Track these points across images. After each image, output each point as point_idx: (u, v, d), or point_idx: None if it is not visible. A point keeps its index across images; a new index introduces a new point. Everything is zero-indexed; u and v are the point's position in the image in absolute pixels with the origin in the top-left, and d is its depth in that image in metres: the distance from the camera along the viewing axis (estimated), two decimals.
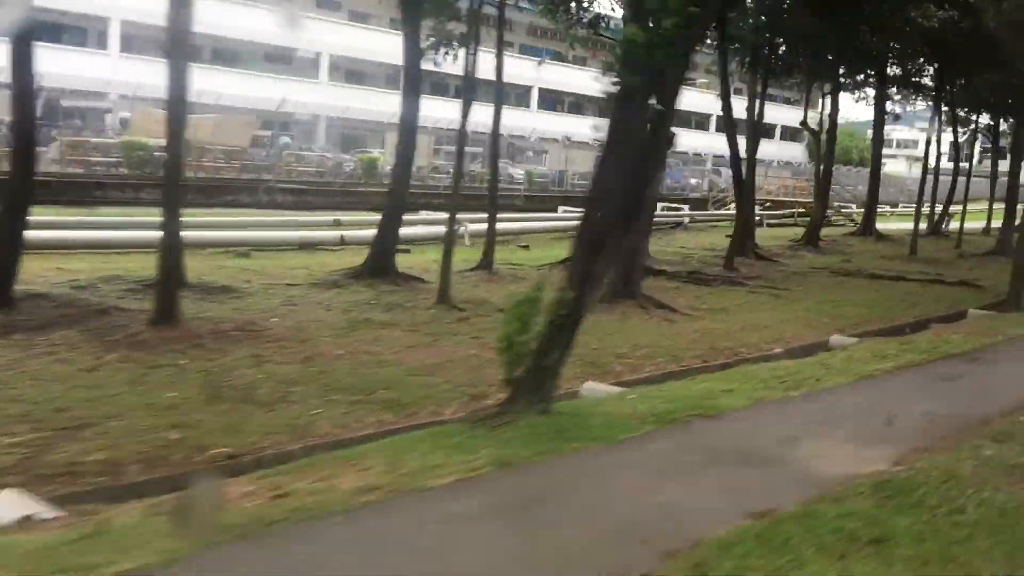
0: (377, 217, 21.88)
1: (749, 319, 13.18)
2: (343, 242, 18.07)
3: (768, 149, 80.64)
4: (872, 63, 28.03)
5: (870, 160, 33.87)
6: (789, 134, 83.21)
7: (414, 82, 13.60)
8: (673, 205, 32.59)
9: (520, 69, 56.96)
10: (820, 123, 30.09)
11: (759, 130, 25.90)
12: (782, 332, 12.40)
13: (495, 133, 16.30)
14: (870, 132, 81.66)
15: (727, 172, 57.42)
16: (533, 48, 59.39)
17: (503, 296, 13.42)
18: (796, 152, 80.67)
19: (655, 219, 32.05)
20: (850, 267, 22.65)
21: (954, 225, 41.60)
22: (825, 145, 28.24)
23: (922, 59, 30.95)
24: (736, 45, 24.23)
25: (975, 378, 7.58)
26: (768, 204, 40.93)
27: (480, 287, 14.48)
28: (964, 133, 43.42)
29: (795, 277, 19.59)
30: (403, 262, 17.28)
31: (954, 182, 35.36)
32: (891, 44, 25.83)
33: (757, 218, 37.30)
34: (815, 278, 19.72)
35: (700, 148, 69.12)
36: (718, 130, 77.30)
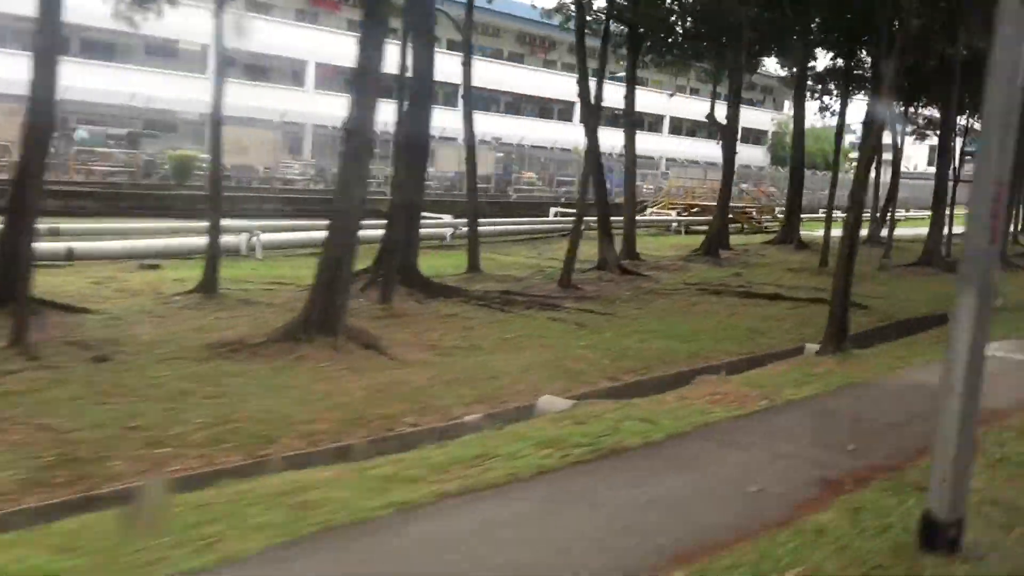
0: (157, 224, 18.59)
1: (492, 362, 9.67)
2: (71, 257, 14.52)
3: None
4: (778, 43, 24.76)
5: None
6: (753, 137, 80.00)
7: (48, 42, 10.07)
8: (569, 211, 28.98)
9: (448, 66, 53.74)
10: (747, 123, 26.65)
11: (635, 123, 22.48)
12: (516, 384, 8.90)
13: (216, 106, 12.85)
14: (850, 138, 78.30)
15: (673, 174, 53.87)
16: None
17: (167, 335, 9.95)
18: (757, 155, 77.42)
19: (548, 226, 28.74)
20: (735, 282, 19.21)
21: (901, 231, 38.38)
22: (726, 144, 24.78)
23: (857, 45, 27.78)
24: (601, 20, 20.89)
25: (543, 526, 4.08)
26: (696, 209, 37.53)
27: (162, 320, 10.93)
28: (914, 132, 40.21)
29: (647, 296, 16.11)
30: (136, 281, 13.86)
31: (893, 185, 31.91)
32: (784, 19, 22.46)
33: (675, 224, 34.18)
34: (673, 297, 16.24)
35: (651, 151, 65.73)
36: (671, 132, 74.39)
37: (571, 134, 60.43)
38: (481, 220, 25.92)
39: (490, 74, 55.32)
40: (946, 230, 25.10)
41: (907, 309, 16.47)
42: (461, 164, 34.17)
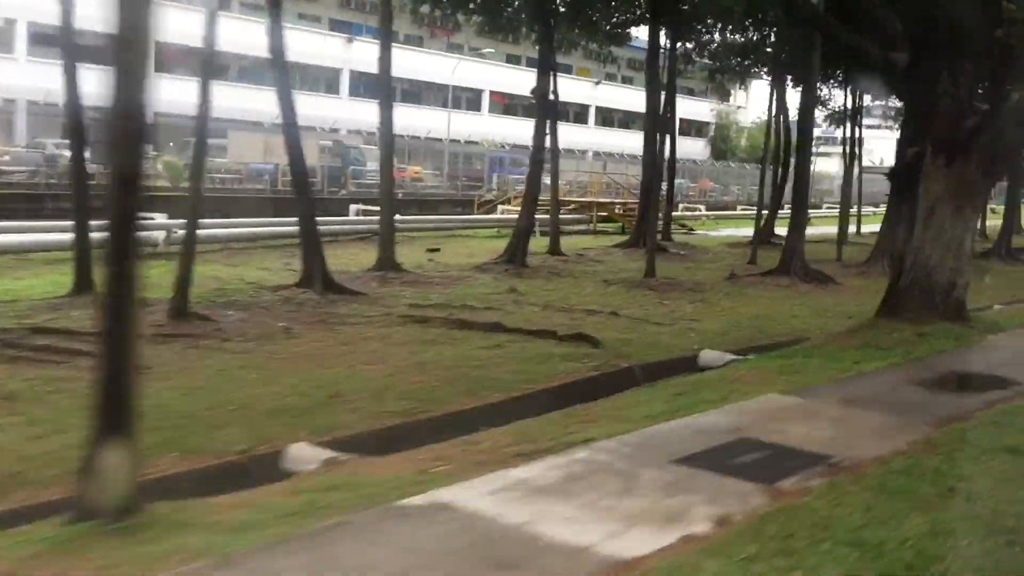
0: None
1: None
2: None
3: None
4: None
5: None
6: (695, 129, 75.45)
7: None
8: (371, 208, 24.07)
9: (327, 48, 48.51)
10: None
11: (390, 91, 17.54)
12: None
13: None
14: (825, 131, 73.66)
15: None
16: (345, 23, 50.46)
17: None
18: (697, 148, 72.91)
19: (345, 227, 23.94)
20: (497, 302, 14.48)
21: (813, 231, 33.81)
22: (539, 122, 20.02)
23: None
24: None
25: None
26: (574, 206, 32.81)
27: None
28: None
29: (299, 330, 11.31)
30: None
31: (783, 181, 27.09)
32: None
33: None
34: (338, 331, 11.42)
35: (577, 143, 60.76)
36: (602, 123, 69.57)
37: (484, 126, 55.55)
38: (222, 221, 21.14)
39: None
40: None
41: (677, 344, 11.73)
42: (267, 154, 29.36)
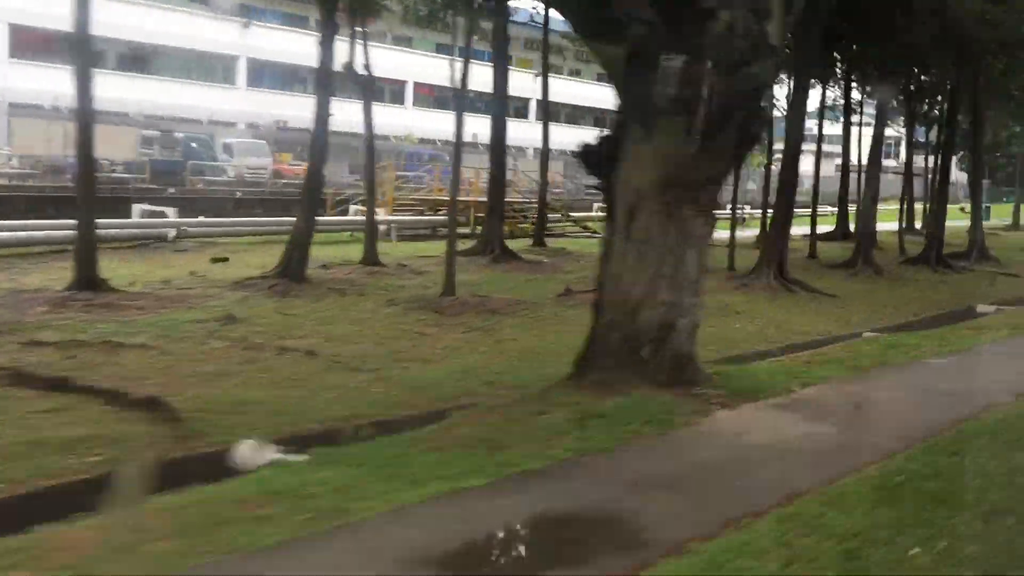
0: None
1: None
2: None
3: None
4: None
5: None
6: None
7: None
8: (158, 209, 20.18)
9: (219, 33, 44.53)
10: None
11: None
12: None
13: None
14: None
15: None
16: (244, 7, 46.22)
17: None
18: None
19: (111, 232, 20.06)
20: (133, 341, 10.65)
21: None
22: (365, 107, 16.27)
23: None
24: None
25: None
26: (460, 207, 29.04)
27: None
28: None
29: None
30: None
31: None
32: None
33: (383, 227, 25.57)
34: None
35: (519, 139, 56.75)
36: (542, 118, 65.65)
37: (408, 119, 51.60)
38: None
39: (291, 45, 46.22)
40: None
41: (325, 412, 7.99)
42: (68, 145, 25.48)
